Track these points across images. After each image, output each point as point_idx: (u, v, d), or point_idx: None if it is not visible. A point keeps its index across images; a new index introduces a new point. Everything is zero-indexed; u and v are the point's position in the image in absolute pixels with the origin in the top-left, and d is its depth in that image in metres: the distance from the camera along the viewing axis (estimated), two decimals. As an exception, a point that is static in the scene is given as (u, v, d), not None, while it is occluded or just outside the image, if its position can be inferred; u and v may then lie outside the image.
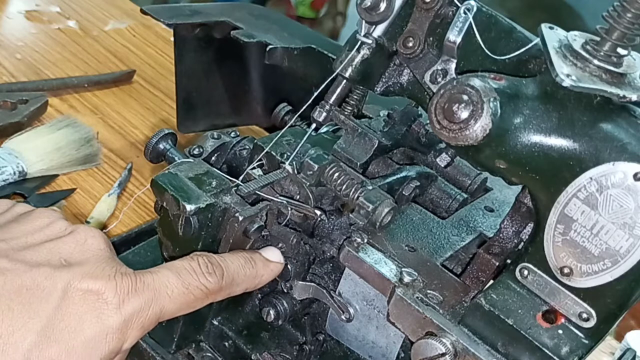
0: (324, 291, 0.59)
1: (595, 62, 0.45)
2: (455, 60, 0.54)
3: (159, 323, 0.49)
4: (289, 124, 0.67)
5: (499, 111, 0.44)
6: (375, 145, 0.61)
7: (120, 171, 0.95)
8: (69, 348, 0.44)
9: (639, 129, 0.46)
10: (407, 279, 0.53)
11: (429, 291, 0.53)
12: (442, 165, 0.64)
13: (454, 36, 0.53)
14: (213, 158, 0.64)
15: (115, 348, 0.46)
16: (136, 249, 0.73)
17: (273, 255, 0.56)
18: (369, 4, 0.54)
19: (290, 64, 0.76)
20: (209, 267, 0.51)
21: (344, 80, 0.58)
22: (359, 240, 0.55)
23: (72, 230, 0.49)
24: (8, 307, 0.43)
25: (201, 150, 0.63)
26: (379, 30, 0.56)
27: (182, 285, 0.49)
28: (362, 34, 0.56)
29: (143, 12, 0.79)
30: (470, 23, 0.52)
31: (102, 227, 0.85)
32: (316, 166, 0.57)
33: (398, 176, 0.62)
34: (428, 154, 0.67)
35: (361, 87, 0.61)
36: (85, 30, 1.26)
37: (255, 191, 0.56)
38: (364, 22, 0.56)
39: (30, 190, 0.88)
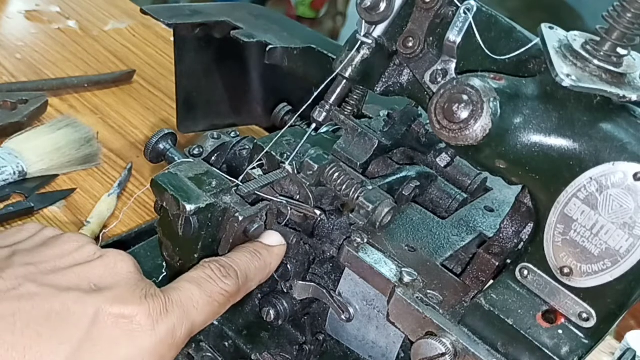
0: (324, 291, 0.59)
1: (595, 62, 0.45)
2: (455, 60, 0.54)
3: None
4: (289, 124, 0.67)
5: (499, 111, 0.44)
6: (375, 145, 0.61)
7: (120, 171, 0.95)
8: None
9: (639, 129, 0.46)
10: (407, 279, 0.53)
11: (429, 291, 0.53)
12: (442, 165, 0.64)
13: (454, 36, 0.53)
14: (213, 158, 0.64)
15: None
16: (136, 249, 0.73)
17: (273, 239, 0.56)
18: (369, 4, 0.54)
19: (290, 64, 0.76)
20: (222, 270, 0.51)
21: (344, 80, 0.58)
22: (359, 240, 0.55)
23: (102, 255, 0.49)
24: (37, 332, 0.42)
25: (201, 150, 0.63)
26: (379, 30, 0.56)
27: (205, 294, 0.49)
28: (362, 34, 0.56)
29: (143, 12, 0.79)
30: (470, 23, 0.52)
31: (102, 227, 0.85)
32: (316, 166, 0.57)
33: (398, 176, 0.62)
34: (428, 154, 0.67)
35: (361, 87, 0.61)
36: (85, 30, 1.26)
37: (255, 191, 0.56)
38: (364, 22, 0.56)
39: (30, 190, 0.88)
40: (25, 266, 0.46)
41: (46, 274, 0.46)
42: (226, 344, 0.63)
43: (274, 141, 0.60)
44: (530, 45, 0.50)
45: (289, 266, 0.58)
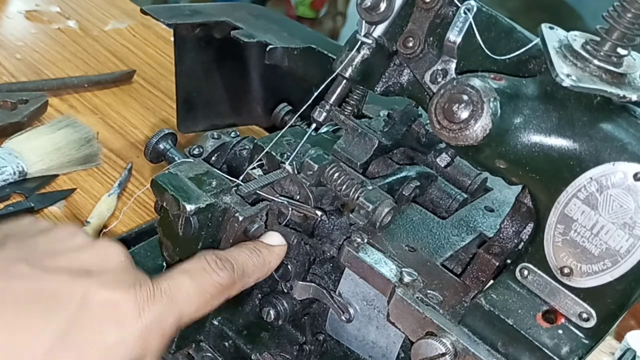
0: (324, 291, 0.59)
1: (595, 62, 0.45)
2: (455, 60, 0.54)
3: None
4: (289, 124, 0.67)
5: (499, 111, 0.44)
6: (375, 145, 0.61)
7: (120, 171, 0.95)
8: (88, 354, 0.44)
9: (639, 129, 0.46)
10: (407, 279, 0.53)
11: (429, 291, 0.53)
12: (442, 165, 0.64)
13: (454, 36, 0.53)
14: (213, 158, 0.64)
15: (137, 358, 0.46)
16: (136, 249, 0.73)
17: (274, 239, 0.56)
18: (369, 4, 0.54)
19: (290, 64, 0.76)
20: (218, 263, 0.51)
21: (344, 80, 0.58)
22: (359, 240, 0.55)
23: (94, 243, 0.50)
24: (25, 310, 0.43)
25: (201, 150, 0.63)
26: (379, 30, 0.56)
27: (197, 285, 0.49)
28: (362, 34, 0.56)
29: (143, 12, 0.79)
30: (470, 23, 0.52)
31: (102, 227, 0.85)
32: (316, 166, 0.57)
33: (398, 176, 0.62)
34: (428, 154, 0.67)
35: (361, 87, 0.61)
36: (85, 30, 1.26)
37: (255, 191, 0.56)
38: (364, 22, 0.56)
39: (30, 190, 0.88)
40: (17, 250, 0.47)
41: (37, 257, 0.47)
42: (226, 344, 0.63)
43: (274, 141, 0.60)
44: (530, 45, 0.50)
45: (289, 266, 0.58)
